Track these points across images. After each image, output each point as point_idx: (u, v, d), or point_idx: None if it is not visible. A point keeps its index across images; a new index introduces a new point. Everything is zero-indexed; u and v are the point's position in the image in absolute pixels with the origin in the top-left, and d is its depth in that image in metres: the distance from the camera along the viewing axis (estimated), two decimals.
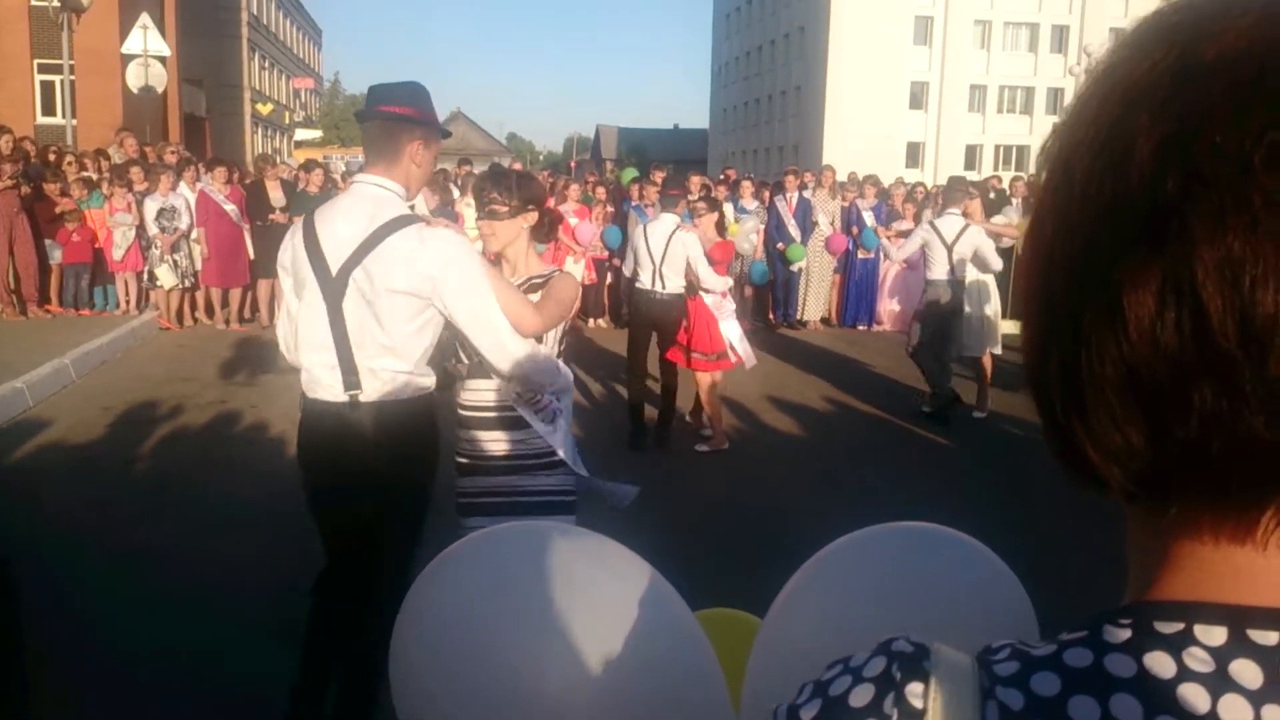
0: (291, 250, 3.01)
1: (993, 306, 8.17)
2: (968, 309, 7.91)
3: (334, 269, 2.86)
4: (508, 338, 2.84)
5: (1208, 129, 0.45)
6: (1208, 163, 0.45)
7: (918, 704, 0.51)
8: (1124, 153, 0.47)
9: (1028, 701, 0.49)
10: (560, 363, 3.10)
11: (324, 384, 2.92)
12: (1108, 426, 0.49)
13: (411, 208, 3.05)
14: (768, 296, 13.38)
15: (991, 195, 13.13)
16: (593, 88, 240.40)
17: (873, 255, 13.19)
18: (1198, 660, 0.47)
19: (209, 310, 12.11)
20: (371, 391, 2.87)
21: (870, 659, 0.54)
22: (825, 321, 13.48)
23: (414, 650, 0.99)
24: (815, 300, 13.40)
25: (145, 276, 11.70)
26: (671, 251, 6.72)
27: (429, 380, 3.00)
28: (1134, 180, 0.47)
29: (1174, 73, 0.47)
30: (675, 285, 6.82)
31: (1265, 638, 0.47)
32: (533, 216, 3.19)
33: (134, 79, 17.56)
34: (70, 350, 9.13)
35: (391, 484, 2.93)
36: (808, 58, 52.90)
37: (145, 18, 17.93)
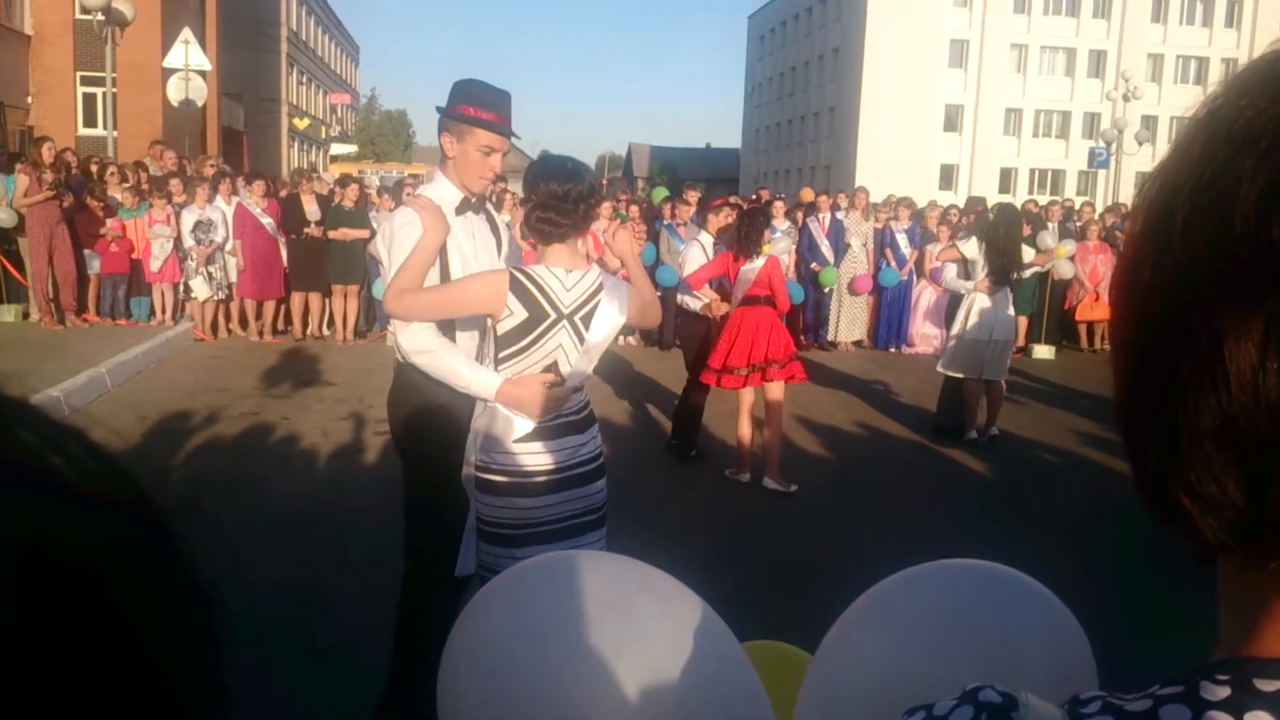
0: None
1: (1011, 330, 8.09)
2: (995, 333, 7.79)
3: None
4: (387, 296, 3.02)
5: None
6: None
7: None
8: (1228, 198, 0.46)
9: None
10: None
11: None
12: (1204, 478, 0.47)
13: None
14: (799, 318, 13.34)
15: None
16: (626, 106, 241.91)
17: (905, 276, 13.12)
18: None
19: (243, 322, 12.23)
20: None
21: (956, 708, 0.53)
22: (858, 344, 13.41)
23: (465, 679, 0.97)
24: (847, 322, 13.34)
25: (181, 288, 11.85)
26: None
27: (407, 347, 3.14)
28: (1238, 226, 0.46)
29: (1278, 121, 0.46)
30: (694, 302, 6.98)
31: None
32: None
33: (175, 92, 17.84)
34: (106, 359, 9.24)
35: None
36: (842, 79, 52.99)
37: (187, 32, 18.24)
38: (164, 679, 0.41)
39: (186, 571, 0.45)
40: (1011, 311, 7.90)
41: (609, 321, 2.98)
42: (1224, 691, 0.48)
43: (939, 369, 8.13)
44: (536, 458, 2.94)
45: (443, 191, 3.24)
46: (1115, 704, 0.50)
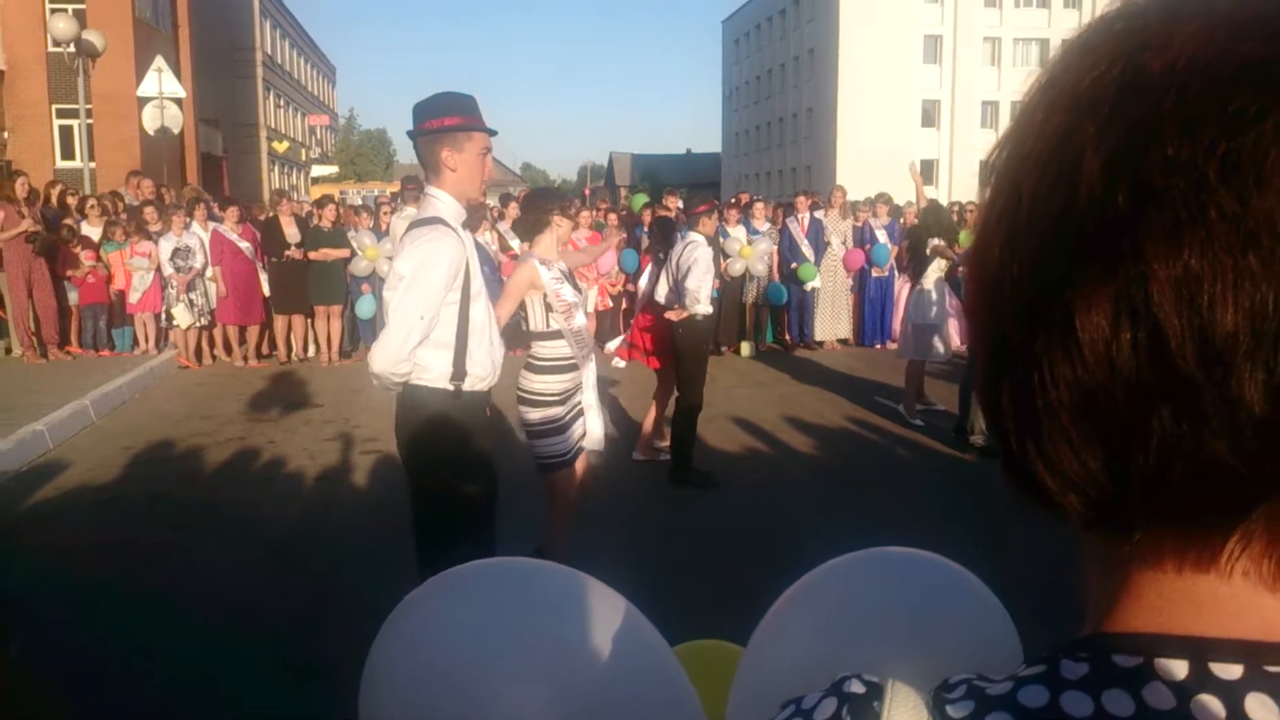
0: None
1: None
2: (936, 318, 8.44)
3: None
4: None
5: (1158, 142, 0.43)
6: (1159, 177, 0.43)
7: None
8: (1072, 166, 0.45)
9: None
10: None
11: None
12: (1064, 453, 0.47)
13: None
14: (783, 317, 13.36)
15: None
16: (605, 115, 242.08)
17: (887, 273, 13.16)
18: (1158, 696, 0.45)
19: (227, 348, 12.19)
20: None
21: (821, 700, 0.52)
22: (843, 342, 13.44)
23: (384, 689, 0.98)
24: (831, 320, 13.37)
25: (163, 316, 11.80)
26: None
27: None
28: (1083, 196, 0.45)
29: (1120, 84, 0.45)
30: (704, 309, 6.70)
31: (1228, 671, 0.44)
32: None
33: (150, 121, 17.80)
34: (90, 391, 9.20)
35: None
36: (818, 79, 53.11)
37: (160, 60, 18.21)
38: None
39: None
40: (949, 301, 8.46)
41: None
42: (1082, 669, 0.47)
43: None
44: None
45: (451, 208, 3.32)
46: (979, 686, 0.49)
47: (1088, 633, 0.50)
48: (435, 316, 3.22)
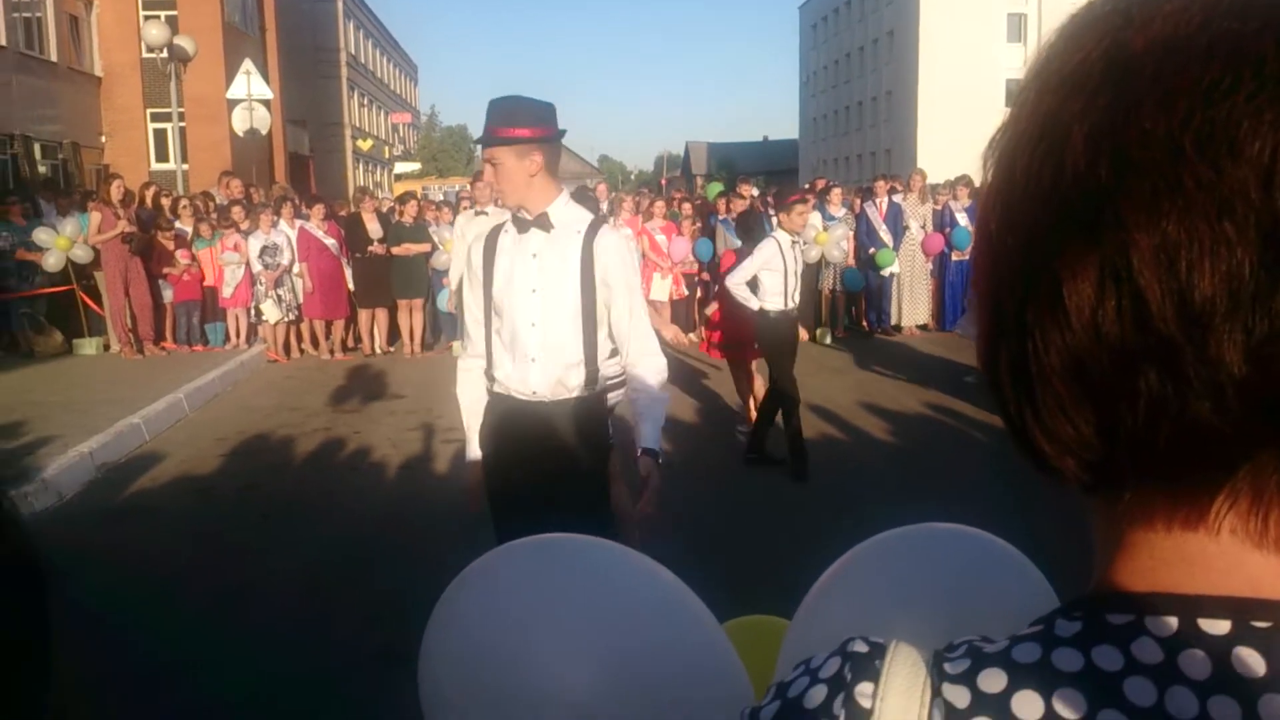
0: None
1: None
2: None
3: None
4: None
5: (1137, 116, 0.45)
6: (1138, 149, 0.45)
7: (866, 704, 0.51)
8: (1059, 141, 0.48)
9: (973, 698, 0.49)
10: None
11: None
12: (1058, 418, 0.49)
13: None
14: (861, 303, 13.22)
15: None
16: (682, 105, 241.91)
17: (968, 256, 12.92)
18: (1147, 652, 0.46)
19: (314, 342, 12.52)
20: None
21: (827, 660, 0.54)
22: (923, 328, 13.24)
23: (441, 662, 1.01)
24: (911, 306, 13.19)
25: (252, 312, 12.18)
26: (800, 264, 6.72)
27: None
28: (1069, 168, 0.47)
29: (1105, 62, 0.47)
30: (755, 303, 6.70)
31: (1215, 626, 0.46)
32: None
33: (239, 123, 18.33)
34: (184, 385, 9.55)
35: None
36: (898, 62, 52.25)
37: (248, 63, 18.72)
38: None
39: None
40: None
41: None
42: (1075, 627, 0.49)
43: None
44: None
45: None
46: (978, 646, 0.51)
47: (1088, 594, 0.52)
48: None
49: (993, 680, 0.49)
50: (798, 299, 6.71)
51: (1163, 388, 0.44)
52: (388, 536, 5.61)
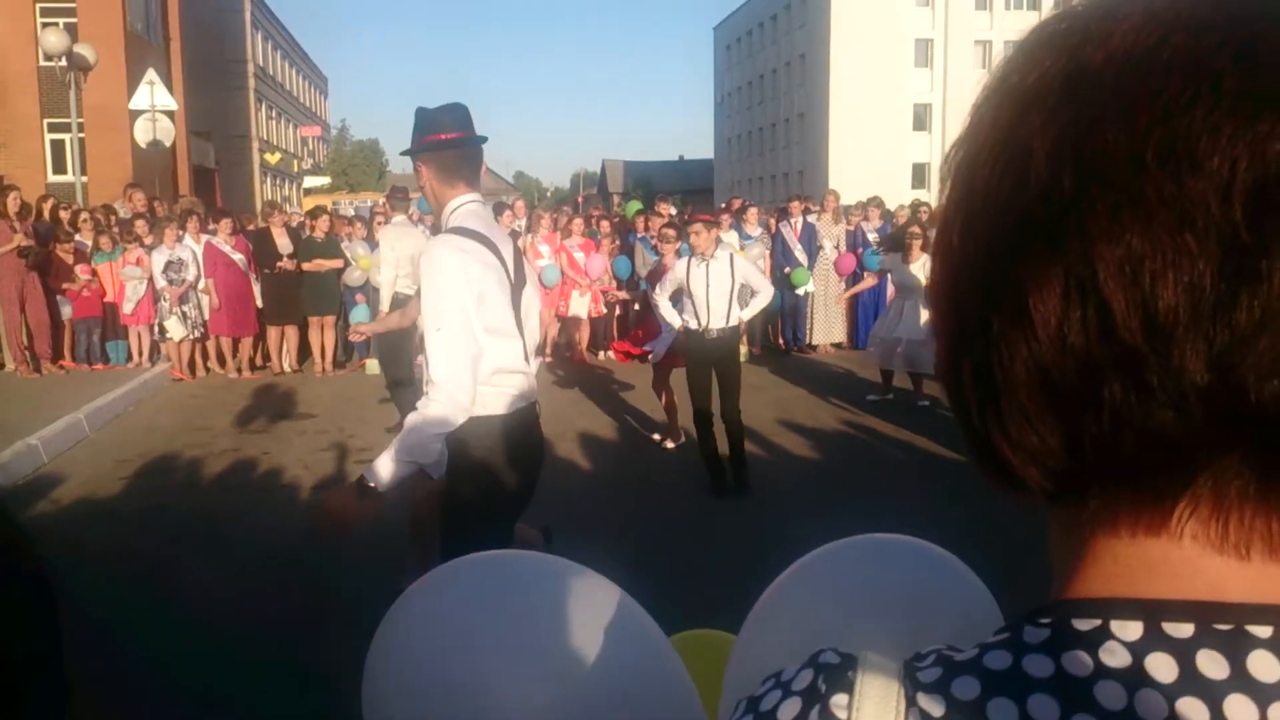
0: (488, 268, 3.01)
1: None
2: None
3: (513, 281, 3.13)
4: None
5: (1099, 128, 0.46)
6: (1101, 162, 0.45)
7: (841, 715, 0.51)
8: (1021, 154, 0.48)
9: (948, 706, 0.49)
10: None
11: (530, 387, 3.18)
12: (1023, 427, 0.49)
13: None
14: (778, 321, 13.39)
15: None
16: (598, 123, 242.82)
17: (877, 280, 13.19)
18: (1114, 656, 0.47)
19: (220, 360, 12.19)
20: (534, 394, 3.24)
21: (799, 672, 0.54)
22: (837, 346, 13.46)
23: (384, 683, 0.99)
24: (825, 324, 13.40)
25: (155, 329, 11.80)
26: (739, 282, 6.65)
27: None
28: (1031, 181, 0.47)
29: (1064, 77, 0.48)
30: (735, 317, 6.66)
31: (1179, 630, 0.47)
32: None
33: (142, 134, 17.80)
34: (84, 405, 9.20)
35: None
36: (810, 84, 53.29)
37: (152, 73, 18.21)
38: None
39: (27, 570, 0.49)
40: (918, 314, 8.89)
41: None
42: (1044, 634, 0.49)
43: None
44: None
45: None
46: (947, 655, 0.52)
47: (1051, 601, 0.52)
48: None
49: (966, 688, 0.49)
50: (722, 321, 6.56)
51: (1126, 397, 0.45)
52: (302, 559, 5.47)
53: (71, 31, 18.38)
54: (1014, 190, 0.48)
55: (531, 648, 0.96)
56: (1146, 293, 0.44)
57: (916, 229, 9.37)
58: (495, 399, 3.05)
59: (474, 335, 2.87)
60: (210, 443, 8.48)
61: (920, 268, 8.85)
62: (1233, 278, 0.43)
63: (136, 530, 6.15)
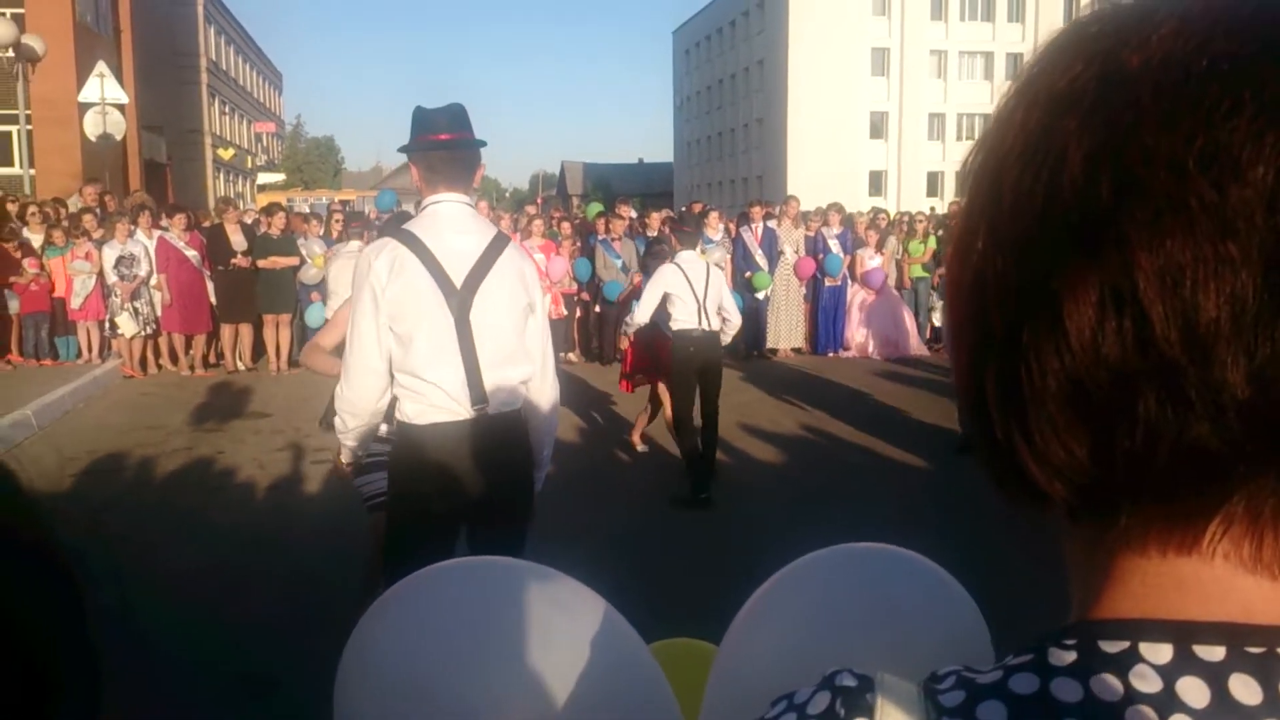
0: (399, 271, 2.91)
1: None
2: None
3: (459, 283, 2.94)
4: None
5: (1138, 135, 0.44)
6: (1141, 168, 0.44)
7: None
8: (1054, 159, 0.46)
9: None
10: None
11: (450, 402, 2.93)
12: (1051, 441, 0.47)
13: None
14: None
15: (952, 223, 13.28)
16: (557, 125, 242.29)
17: (840, 282, 13.29)
18: (1145, 680, 0.45)
19: (173, 357, 11.98)
20: (497, 403, 2.99)
21: (814, 694, 0.52)
22: (797, 350, 13.54)
23: (358, 692, 0.97)
24: (785, 329, 13.47)
25: (106, 325, 11.57)
26: (713, 288, 6.62)
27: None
28: (1066, 188, 0.46)
29: (1099, 80, 0.47)
30: (717, 323, 6.67)
31: (1211, 653, 0.45)
32: None
33: (91, 127, 17.47)
34: (32, 401, 8.99)
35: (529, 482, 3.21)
36: (768, 90, 53.60)
37: (102, 65, 17.88)
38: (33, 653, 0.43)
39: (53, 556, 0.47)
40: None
41: None
42: (1070, 656, 0.48)
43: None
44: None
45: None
46: (968, 677, 0.50)
47: (1073, 620, 0.51)
48: None
49: (992, 713, 0.47)
50: (710, 322, 6.62)
51: (1162, 410, 0.44)
52: (258, 559, 5.38)
53: (19, 22, 18.03)
54: (1047, 196, 0.46)
55: (509, 654, 0.94)
56: (1187, 303, 0.43)
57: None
58: (413, 407, 2.93)
59: (372, 334, 2.91)
60: (163, 441, 8.33)
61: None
62: (1276, 289, 0.42)
63: (86, 530, 6.00)
